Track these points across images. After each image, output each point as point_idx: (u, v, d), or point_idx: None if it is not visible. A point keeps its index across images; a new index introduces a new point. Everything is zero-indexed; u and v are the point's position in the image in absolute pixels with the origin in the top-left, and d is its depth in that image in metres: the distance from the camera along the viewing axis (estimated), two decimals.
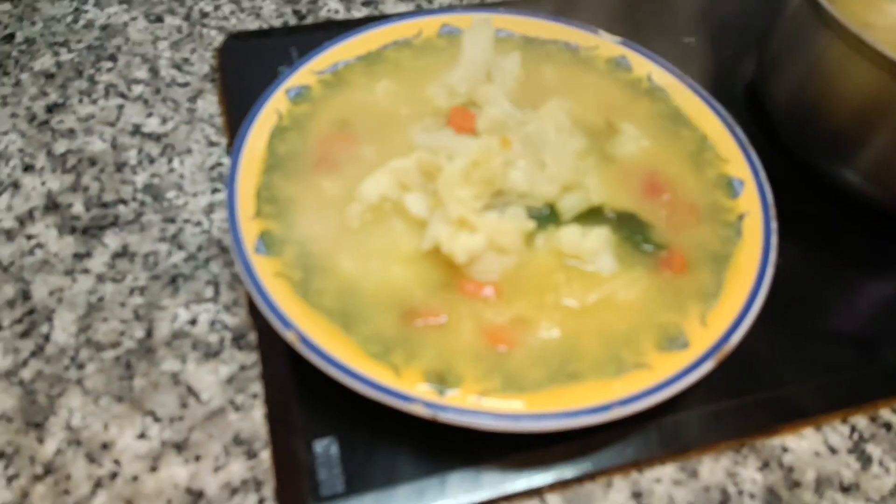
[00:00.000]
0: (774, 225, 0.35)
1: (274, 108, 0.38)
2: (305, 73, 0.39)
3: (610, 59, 0.42)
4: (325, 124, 0.38)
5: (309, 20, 0.52)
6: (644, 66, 0.42)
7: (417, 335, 0.31)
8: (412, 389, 0.29)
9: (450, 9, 0.44)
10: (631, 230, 0.34)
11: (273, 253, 0.33)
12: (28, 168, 0.42)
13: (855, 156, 0.41)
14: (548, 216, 0.34)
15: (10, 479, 0.31)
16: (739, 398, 0.34)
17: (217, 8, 0.52)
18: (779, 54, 0.44)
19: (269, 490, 0.31)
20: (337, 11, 0.52)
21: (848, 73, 0.38)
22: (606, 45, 0.43)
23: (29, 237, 0.39)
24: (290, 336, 0.30)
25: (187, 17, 0.51)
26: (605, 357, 0.31)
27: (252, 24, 0.51)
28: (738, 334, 0.31)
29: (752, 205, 0.36)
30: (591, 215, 0.35)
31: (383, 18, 0.52)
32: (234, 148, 0.36)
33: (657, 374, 0.30)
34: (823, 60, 0.39)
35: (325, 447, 0.32)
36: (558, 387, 0.30)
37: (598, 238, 0.33)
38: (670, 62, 0.44)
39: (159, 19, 0.51)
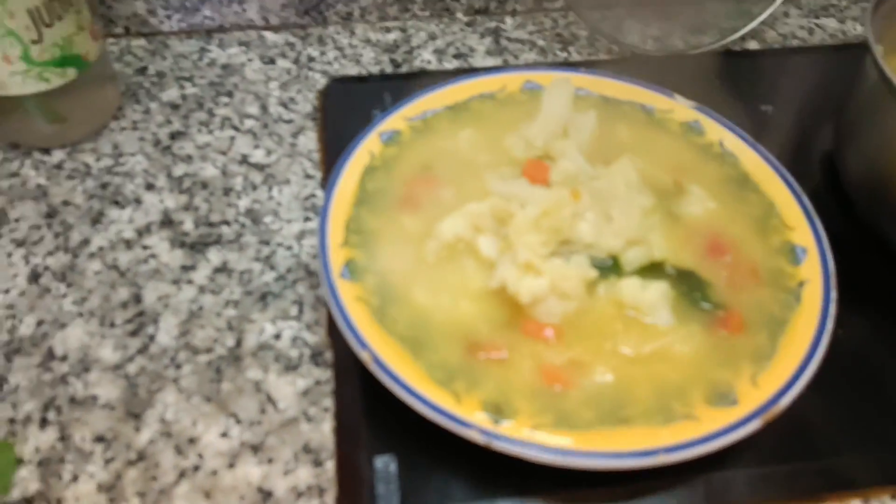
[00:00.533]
0: (834, 294, 0.36)
1: (367, 148, 0.42)
2: (397, 119, 0.43)
3: (683, 122, 0.44)
4: (411, 167, 0.41)
5: (403, 69, 0.56)
6: (716, 132, 0.44)
7: (480, 367, 0.34)
8: (470, 416, 0.32)
9: (534, 66, 0.47)
10: (690, 287, 0.36)
11: (356, 279, 0.36)
12: (150, 187, 0.47)
13: None
14: (610, 267, 0.36)
15: (107, 462, 0.35)
16: (788, 462, 0.35)
17: (323, 53, 0.57)
18: (854, 127, 0.45)
19: (330, 498, 0.34)
20: (430, 62, 0.57)
21: None
22: (681, 108, 0.45)
23: (144, 247, 0.44)
24: (364, 356, 0.33)
25: (296, 61, 0.56)
26: (655, 405, 0.32)
27: (352, 70, 0.56)
28: (788, 398, 0.32)
29: (813, 273, 0.36)
30: (653, 270, 0.36)
31: (472, 71, 0.56)
32: (329, 182, 0.40)
33: (704, 426, 0.31)
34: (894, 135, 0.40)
35: (385, 463, 0.34)
36: (607, 429, 0.32)
37: (658, 292, 0.35)
38: (747, 129, 0.45)
39: (272, 61, 0.56)
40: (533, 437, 0.31)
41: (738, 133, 0.43)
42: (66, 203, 0.46)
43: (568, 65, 0.55)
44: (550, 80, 0.45)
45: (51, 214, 0.45)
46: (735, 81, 0.55)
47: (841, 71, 0.55)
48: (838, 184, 0.47)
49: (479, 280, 0.36)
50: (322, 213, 0.38)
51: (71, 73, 0.45)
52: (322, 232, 0.37)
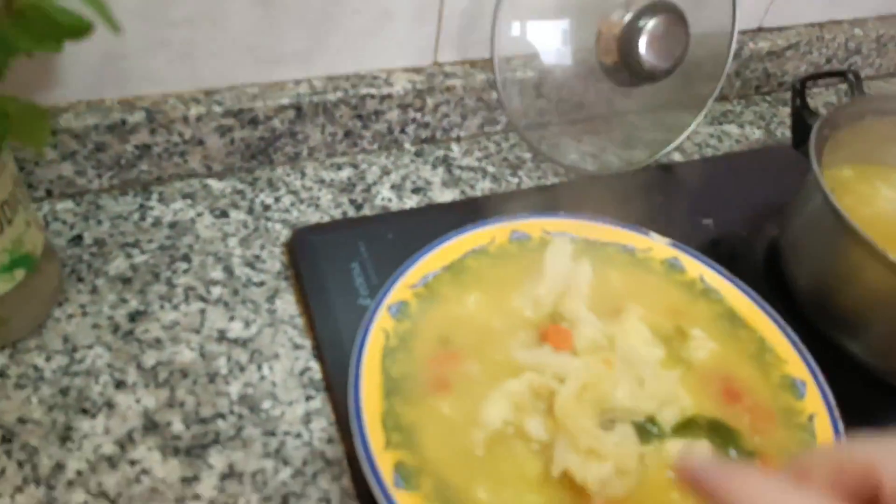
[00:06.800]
0: (841, 426, 0.39)
1: (381, 327, 0.40)
2: (401, 289, 0.42)
3: (664, 260, 0.47)
4: (429, 342, 0.41)
5: (366, 210, 0.55)
6: (695, 268, 0.47)
7: None
8: None
9: (516, 216, 0.48)
10: (724, 440, 0.38)
11: (411, 487, 0.34)
12: (119, 384, 0.42)
13: (862, 334, 0.47)
14: (653, 432, 0.38)
15: None
16: None
17: (277, 200, 0.55)
18: (798, 247, 0.51)
19: None
20: (390, 200, 0.56)
21: (859, 268, 0.44)
22: (659, 246, 0.48)
23: (132, 463, 0.39)
24: None
25: (250, 211, 0.53)
26: None
27: (313, 216, 0.54)
28: None
29: (817, 406, 0.40)
30: (687, 426, 0.38)
31: (434, 206, 0.56)
32: (351, 376, 0.38)
33: None
34: (838, 255, 0.46)
35: None
36: None
37: (703, 451, 0.37)
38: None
39: (224, 214, 0.53)
40: None
41: (714, 268, 0.47)
42: (21, 421, 0.40)
43: (544, 210, 0.53)
44: (535, 227, 0.47)
45: (7, 438, 0.39)
46: (672, 196, 0.60)
47: (762, 175, 0.62)
48: (781, 284, 0.53)
49: (534, 466, 0.36)
50: (354, 413, 0.36)
51: (20, 274, 0.40)
52: (361, 437, 0.35)
